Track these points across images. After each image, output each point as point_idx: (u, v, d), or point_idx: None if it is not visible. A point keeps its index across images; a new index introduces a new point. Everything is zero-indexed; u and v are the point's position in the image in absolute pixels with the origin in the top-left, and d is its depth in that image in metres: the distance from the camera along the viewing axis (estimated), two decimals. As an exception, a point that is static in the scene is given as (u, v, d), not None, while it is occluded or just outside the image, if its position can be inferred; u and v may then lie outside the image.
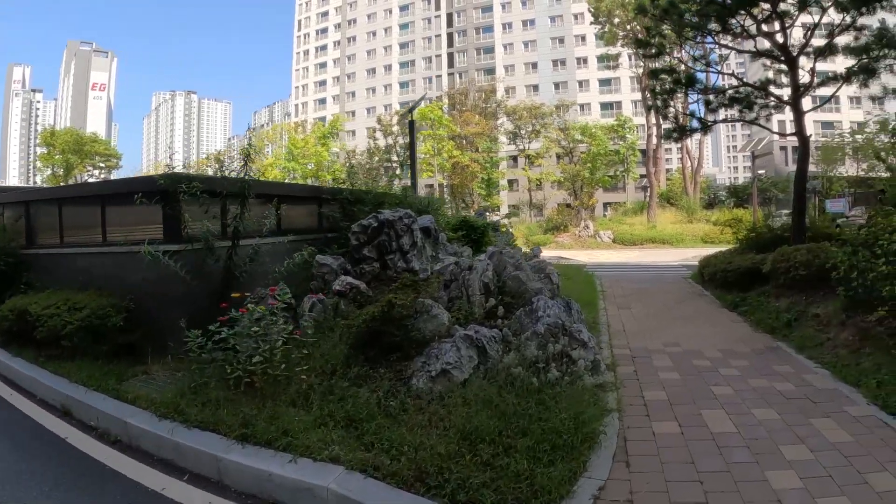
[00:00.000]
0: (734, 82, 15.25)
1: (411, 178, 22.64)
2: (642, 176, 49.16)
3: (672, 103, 14.58)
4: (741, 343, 8.92)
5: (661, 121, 15.50)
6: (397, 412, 5.32)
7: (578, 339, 6.99)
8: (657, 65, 17.17)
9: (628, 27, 37.21)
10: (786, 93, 14.27)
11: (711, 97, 14.86)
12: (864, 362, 7.29)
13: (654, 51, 14.95)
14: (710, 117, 15.16)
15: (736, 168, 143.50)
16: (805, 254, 9.61)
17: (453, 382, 5.98)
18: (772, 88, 14.38)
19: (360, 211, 11.70)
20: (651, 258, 25.42)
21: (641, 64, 32.68)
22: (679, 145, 53.00)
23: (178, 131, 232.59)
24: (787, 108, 14.44)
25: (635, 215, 39.01)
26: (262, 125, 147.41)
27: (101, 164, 75.28)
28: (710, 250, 27.08)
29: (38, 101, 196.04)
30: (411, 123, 21.59)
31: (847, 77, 13.35)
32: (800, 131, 13.50)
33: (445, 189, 58.12)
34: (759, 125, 14.77)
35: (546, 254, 29.34)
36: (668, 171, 76.18)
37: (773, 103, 14.48)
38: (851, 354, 7.68)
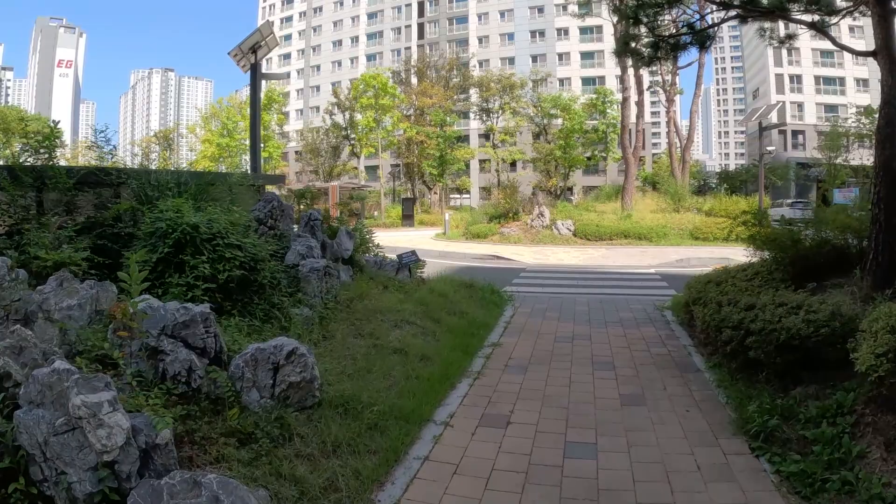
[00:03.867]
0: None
1: (251, 149, 15.66)
2: (625, 157, 42.06)
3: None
4: None
5: (630, 29, 8.14)
6: None
7: None
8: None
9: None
10: None
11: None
12: None
13: None
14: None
15: (727, 154, 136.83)
16: None
17: None
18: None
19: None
20: (619, 260, 18.12)
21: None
22: (667, 118, 45.97)
23: (154, 109, 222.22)
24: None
25: (609, 201, 31.43)
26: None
27: (45, 144, 69.13)
28: (702, 250, 20.04)
29: (9, 80, 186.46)
30: (253, 69, 14.33)
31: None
32: (887, 47, 6.50)
33: (384, 168, 50.93)
34: (810, 27, 7.65)
35: (482, 250, 22.17)
36: (655, 154, 69.05)
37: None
38: None
